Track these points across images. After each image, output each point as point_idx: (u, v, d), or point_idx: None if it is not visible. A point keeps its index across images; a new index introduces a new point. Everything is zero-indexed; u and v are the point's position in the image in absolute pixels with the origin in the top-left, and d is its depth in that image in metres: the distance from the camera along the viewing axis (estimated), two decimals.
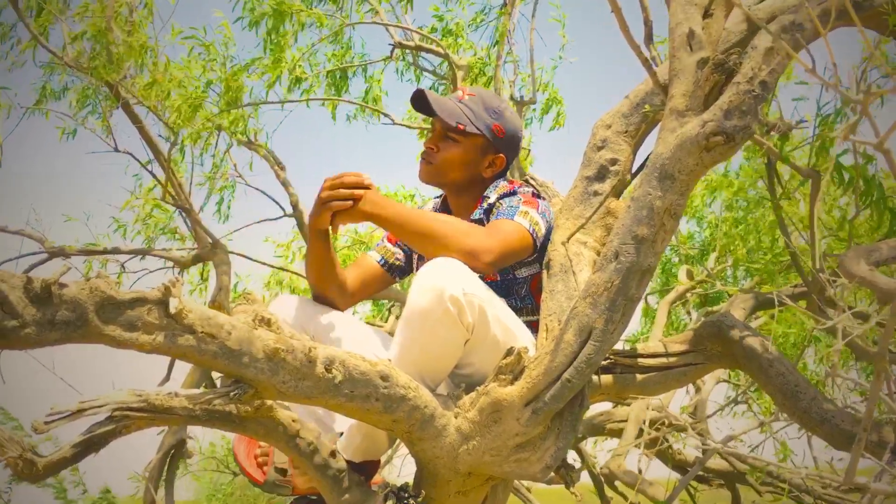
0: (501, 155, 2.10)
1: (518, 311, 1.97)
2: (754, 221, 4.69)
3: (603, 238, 1.91)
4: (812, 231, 1.87)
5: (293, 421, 1.56)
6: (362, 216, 1.83)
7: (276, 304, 1.97)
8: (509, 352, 1.61)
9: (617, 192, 1.94)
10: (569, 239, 1.84)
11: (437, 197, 2.25)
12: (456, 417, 1.64)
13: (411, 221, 1.82)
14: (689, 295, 5.12)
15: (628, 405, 4.19)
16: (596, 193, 1.92)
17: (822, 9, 1.41)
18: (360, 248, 6.66)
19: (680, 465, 4.43)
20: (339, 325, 1.96)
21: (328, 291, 2.02)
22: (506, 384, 1.60)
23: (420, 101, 2.07)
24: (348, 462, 1.70)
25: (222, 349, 1.29)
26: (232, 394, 1.31)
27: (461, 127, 2.03)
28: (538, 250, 1.96)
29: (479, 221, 2.02)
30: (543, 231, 1.95)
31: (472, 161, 2.08)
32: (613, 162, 1.93)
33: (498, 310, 1.76)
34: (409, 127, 5.83)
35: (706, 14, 1.65)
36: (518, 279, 2.02)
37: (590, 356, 1.55)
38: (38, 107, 5.20)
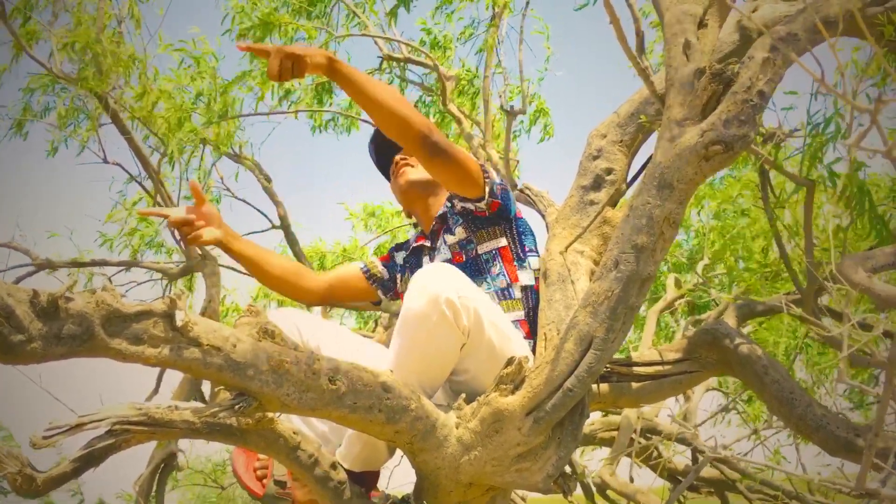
0: None
1: (499, 296, 1.97)
2: (740, 230, 4.71)
3: (599, 247, 1.92)
4: (808, 239, 1.89)
5: (294, 433, 1.55)
6: (319, 67, 1.73)
7: (274, 316, 1.97)
8: (510, 361, 1.61)
9: (613, 202, 1.95)
10: (567, 248, 1.85)
11: (415, 228, 2.30)
12: (457, 428, 1.64)
13: (375, 85, 1.78)
14: (677, 304, 5.13)
15: (619, 414, 4.20)
16: (592, 203, 1.93)
17: (820, 18, 1.43)
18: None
19: (670, 473, 4.44)
20: (337, 337, 1.96)
21: (279, 288, 2.15)
22: (507, 394, 1.60)
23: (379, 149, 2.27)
24: (348, 472, 1.69)
25: (227, 362, 1.29)
26: (237, 407, 1.31)
27: None
28: (491, 196, 1.96)
29: (443, 215, 2.10)
30: (496, 179, 1.98)
31: None
32: (609, 171, 1.94)
33: (492, 314, 1.76)
34: None
35: (700, 24, 1.66)
36: (482, 256, 2.01)
37: (591, 365, 1.56)
38: (24, 117, 5.16)
